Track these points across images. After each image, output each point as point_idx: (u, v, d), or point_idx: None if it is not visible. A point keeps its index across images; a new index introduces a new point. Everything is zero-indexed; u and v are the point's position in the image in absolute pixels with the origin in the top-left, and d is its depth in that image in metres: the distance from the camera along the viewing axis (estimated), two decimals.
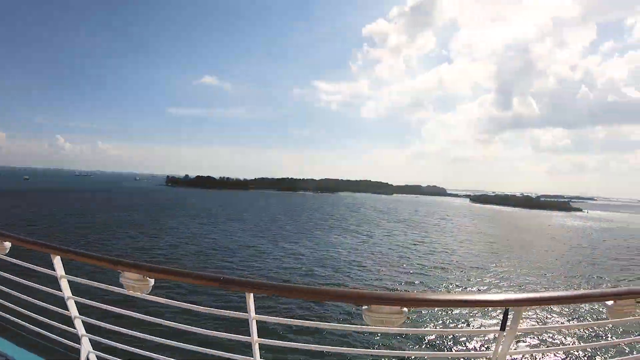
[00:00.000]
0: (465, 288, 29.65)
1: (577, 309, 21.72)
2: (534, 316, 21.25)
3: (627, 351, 14.05)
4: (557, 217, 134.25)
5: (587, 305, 21.46)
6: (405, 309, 2.45)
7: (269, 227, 61.04)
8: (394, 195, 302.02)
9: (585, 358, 16.20)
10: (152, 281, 2.79)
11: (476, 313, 21.05)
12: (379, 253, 41.88)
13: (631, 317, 2.95)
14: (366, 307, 2.47)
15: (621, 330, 18.06)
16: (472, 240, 57.43)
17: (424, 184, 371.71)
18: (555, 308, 21.63)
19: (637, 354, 8.44)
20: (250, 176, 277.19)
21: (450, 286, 30.01)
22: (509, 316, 2.64)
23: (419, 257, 40.92)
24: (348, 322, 19.28)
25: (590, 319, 20.34)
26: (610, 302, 2.80)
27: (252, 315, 2.73)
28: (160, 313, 16.53)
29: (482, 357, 8.26)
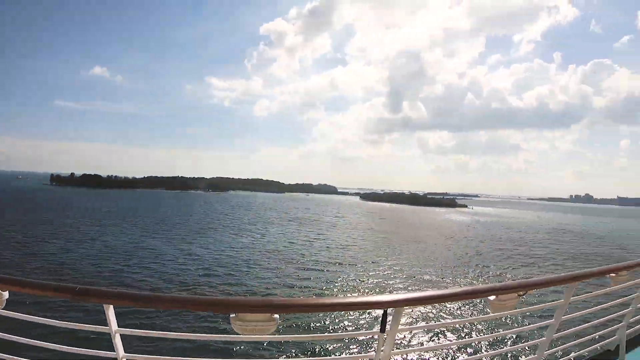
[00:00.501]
0: (361, 283, 31.07)
1: (462, 304, 22.57)
2: (419, 315, 21.53)
3: (508, 343, 16.75)
4: (444, 213, 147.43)
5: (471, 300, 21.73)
6: (276, 316, 2.51)
7: (161, 227, 61.24)
8: (286, 193, 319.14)
9: (471, 352, 16.55)
10: (5, 294, 2.62)
11: (360, 315, 21.17)
12: (273, 251, 42.88)
13: (513, 311, 3.72)
14: (234, 315, 2.47)
15: (503, 323, 19.52)
16: (364, 236, 60.18)
17: (315, 183, 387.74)
18: (439, 305, 21.67)
19: (518, 344, 14.05)
20: (140, 174, 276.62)
21: (344, 282, 30.97)
22: (388, 317, 2.84)
23: (313, 254, 41.92)
24: (220, 331, 18.77)
25: (475, 314, 21.46)
26: (492, 297, 3.34)
27: (114, 328, 2.65)
28: (17, 329, 5.68)
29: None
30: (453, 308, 22.68)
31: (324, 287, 29.76)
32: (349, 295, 26.25)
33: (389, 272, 34.59)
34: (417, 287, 30.21)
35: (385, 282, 31.79)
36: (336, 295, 26.74)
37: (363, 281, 31.76)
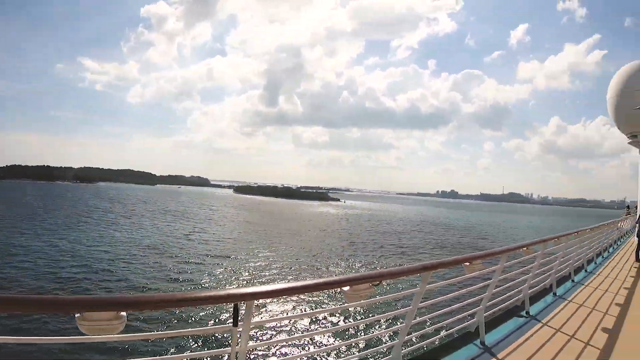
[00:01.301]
0: (231, 276, 30.43)
1: (326, 295, 22.50)
2: (277, 307, 21.47)
3: (371, 330, 16.72)
4: (317, 207, 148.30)
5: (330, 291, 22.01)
6: (123, 314, 2.45)
7: (26, 222, 54.60)
8: (157, 185, 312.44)
9: (332, 341, 16.36)
10: None
11: (216, 310, 20.74)
12: (149, 246, 40.52)
13: (367, 300, 3.88)
14: (79, 314, 2.36)
15: (365, 311, 19.52)
16: (239, 229, 59.27)
17: (187, 175, 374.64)
18: (295, 298, 22.16)
19: (382, 330, 15.55)
20: None
21: (215, 276, 30.20)
22: (240, 311, 2.91)
23: (190, 248, 40.71)
24: (66, 333, 16.61)
25: (336, 305, 21.25)
26: (347, 288, 3.56)
27: None
28: None
29: (222, 355, 7.00)
30: (315, 299, 22.73)
31: (197, 281, 28.82)
32: (204, 289, 26.33)
33: (262, 264, 34.29)
34: (284, 279, 30.02)
35: (258, 274, 31.40)
36: (199, 289, 26.16)
37: (233, 275, 31.10)
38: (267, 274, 31.35)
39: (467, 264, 5.22)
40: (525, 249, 7.10)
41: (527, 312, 7.27)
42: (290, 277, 30.52)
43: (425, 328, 6.59)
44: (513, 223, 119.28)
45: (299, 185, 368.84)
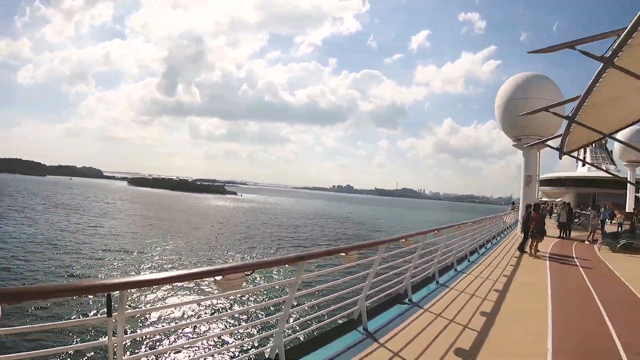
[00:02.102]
0: (123, 271, 28.95)
1: (205, 284, 22.47)
2: (154, 297, 20.95)
3: (245, 319, 17.36)
4: (214, 200, 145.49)
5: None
6: None
7: None
8: (48, 176, 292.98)
9: (211, 330, 16.19)
10: None
11: (92, 301, 19.45)
12: (35, 241, 36.81)
13: (239, 289, 4.18)
14: None
15: (242, 301, 19.83)
16: (135, 223, 56.97)
17: (79, 165, 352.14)
18: (177, 287, 22.17)
19: (255, 321, 15.55)
20: None
21: (105, 270, 28.38)
22: (113, 301, 2.86)
23: (78, 243, 37.70)
24: None
25: (216, 294, 19.26)
26: (219, 277, 3.69)
27: None
28: None
29: (98, 347, 5.69)
30: (198, 289, 22.82)
31: (84, 276, 26.99)
32: (78, 280, 24.73)
33: (153, 258, 33.24)
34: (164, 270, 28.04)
35: (146, 267, 30.47)
36: (74, 280, 24.85)
37: (122, 268, 30.04)
38: (155, 266, 30.73)
39: (344, 254, 5.43)
40: (404, 240, 7.38)
41: (410, 300, 7.83)
42: (176, 270, 28.45)
43: (308, 316, 7.15)
44: (406, 217, 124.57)
45: (195, 178, 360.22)
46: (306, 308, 13.56)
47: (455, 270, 11.48)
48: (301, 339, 6.92)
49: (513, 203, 31.40)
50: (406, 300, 7.76)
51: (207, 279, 3.84)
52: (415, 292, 8.46)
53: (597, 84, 13.84)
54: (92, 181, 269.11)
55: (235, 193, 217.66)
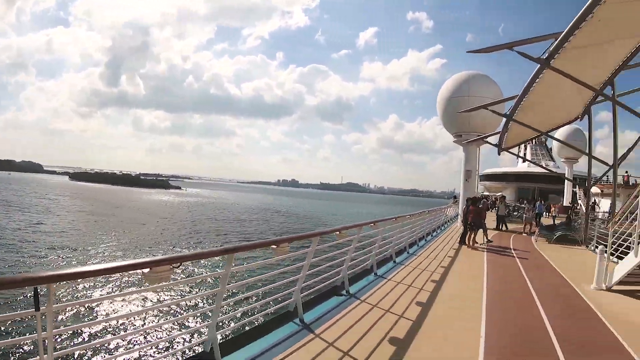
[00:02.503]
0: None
1: (132, 278, 22.25)
2: (84, 291, 20.65)
3: (178, 312, 17.00)
4: (158, 195, 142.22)
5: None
6: None
7: None
8: None
9: (143, 323, 15.97)
10: None
11: (20, 296, 19.00)
12: None
13: (170, 282, 4.17)
14: None
15: (175, 293, 19.94)
16: (80, 220, 54.24)
17: (18, 159, 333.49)
18: (103, 279, 21.69)
19: (188, 313, 16.15)
20: None
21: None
22: (40, 295, 2.87)
23: (20, 241, 36.06)
24: None
25: (147, 286, 14.17)
26: (147, 270, 3.65)
27: None
28: None
29: (27, 342, 7.51)
30: (132, 281, 22.40)
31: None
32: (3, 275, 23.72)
33: (92, 254, 32.43)
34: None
35: (85, 262, 29.63)
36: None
37: (59, 265, 28.91)
38: (92, 262, 29.50)
39: (275, 246, 5.50)
40: (338, 232, 7.49)
41: (347, 291, 7.94)
42: (105, 263, 27.55)
43: (243, 308, 7.38)
44: (351, 210, 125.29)
45: (138, 172, 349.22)
46: (242, 300, 13.94)
47: (394, 262, 11.71)
48: (236, 331, 6.92)
49: (455, 197, 32.35)
50: (343, 292, 7.88)
51: (137, 271, 3.65)
52: (353, 284, 8.62)
53: (534, 84, 14.59)
54: (31, 176, 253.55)
55: (179, 188, 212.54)
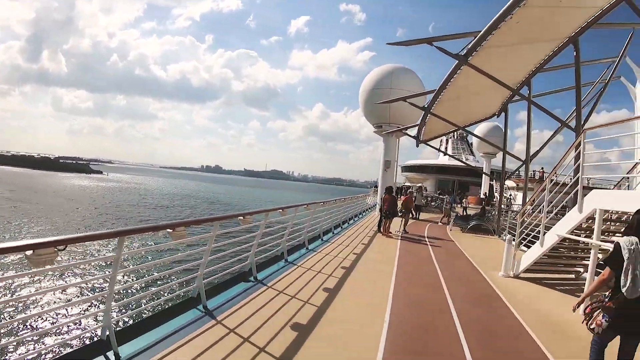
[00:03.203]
0: None
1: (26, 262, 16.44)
2: None
3: (72, 298, 15.41)
4: (79, 180, 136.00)
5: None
6: None
7: None
8: None
9: (25, 312, 14.50)
10: None
11: None
12: None
13: (52, 266, 3.88)
14: None
15: (57, 279, 18.60)
16: None
17: None
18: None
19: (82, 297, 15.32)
20: None
21: None
22: None
23: None
24: None
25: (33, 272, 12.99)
26: (29, 252, 3.47)
27: None
28: None
29: None
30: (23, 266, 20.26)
31: None
32: None
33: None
34: None
35: None
36: None
37: None
38: None
39: (170, 230, 5.29)
40: (242, 218, 7.30)
41: (255, 278, 7.84)
42: None
43: (144, 293, 7.27)
44: (276, 196, 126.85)
45: (58, 156, 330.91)
46: (144, 286, 13.97)
47: (307, 248, 11.73)
48: (136, 318, 6.78)
49: (375, 186, 32.97)
50: (251, 278, 7.81)
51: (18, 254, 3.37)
52: (262, 270, 8.59)
53: (452, 80, 15.03)
54: None
55: (101, 172, 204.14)
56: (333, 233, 15.78)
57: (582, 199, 8.20)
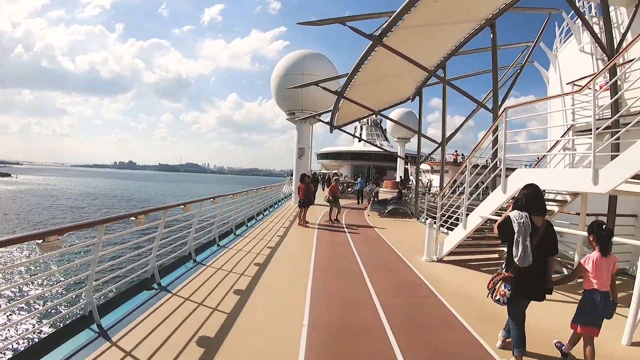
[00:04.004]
0: None
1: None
2: None
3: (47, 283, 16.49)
4: None
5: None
6: None
7: None
8: None
9: (13, 296, 14.91)
10: None
11: None
12: None
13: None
14: None
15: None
16: None
17: None
18: None
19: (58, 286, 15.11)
20: None
21: None
22: None
23: None
24: None
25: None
26: (40, 241, 4.21)
27: None
28: None
29: None
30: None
31: None
32: None
33: None
34: None
35: None
36: None
37: None
38: None
39: (40, 241, 4.74)
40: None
41: (159, 284, 7.41)
42: None
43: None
44: (192, 191, 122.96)
45: None
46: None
47: (218, 245, 11.48)
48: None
49: (291, 175, 32.59)
50: (154, 286, 7.36)
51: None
52: (168, 274, 8.24)
53: (366, 61, 14.45)
54: None
55: (9, 175, 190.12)
56: (247, 226, 15.28)
57: (505, 179, 7.91)
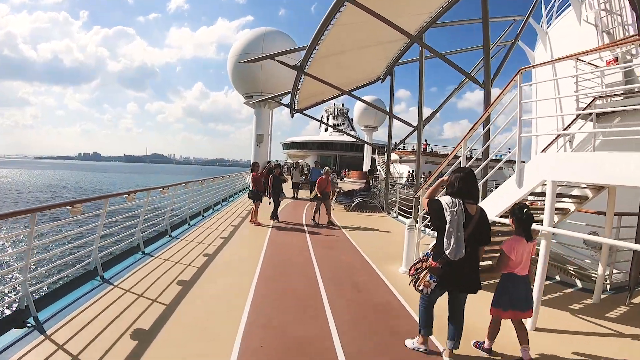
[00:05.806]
0: None
1: None
2: None
3: None
4: None
5: None
6: None
7: None
8: None
9: None
10: None
11: None
12: None
13: None
14: None
15: None
16: None
17: None
18: None
19: None
20: None
21: None
22: None
23: None
24: None
25: None
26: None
27: None
28: None
29: None
30: None
31: None
32: None
33: None
34: None
35: None
36: None
37: None
38: None
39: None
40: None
41: (102, 277, 7.05)
42: None
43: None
44: (157, 182, 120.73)
45: None
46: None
47: (170, 236, 11.02)
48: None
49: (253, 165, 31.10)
50: (97, 278, 6.99)
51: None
52: (114, 266, 7.85)
53: (331, 25, 11.80)
54: None
55: None
56: (203, 216, 14.71)
57: (521, 170, 5.62)
